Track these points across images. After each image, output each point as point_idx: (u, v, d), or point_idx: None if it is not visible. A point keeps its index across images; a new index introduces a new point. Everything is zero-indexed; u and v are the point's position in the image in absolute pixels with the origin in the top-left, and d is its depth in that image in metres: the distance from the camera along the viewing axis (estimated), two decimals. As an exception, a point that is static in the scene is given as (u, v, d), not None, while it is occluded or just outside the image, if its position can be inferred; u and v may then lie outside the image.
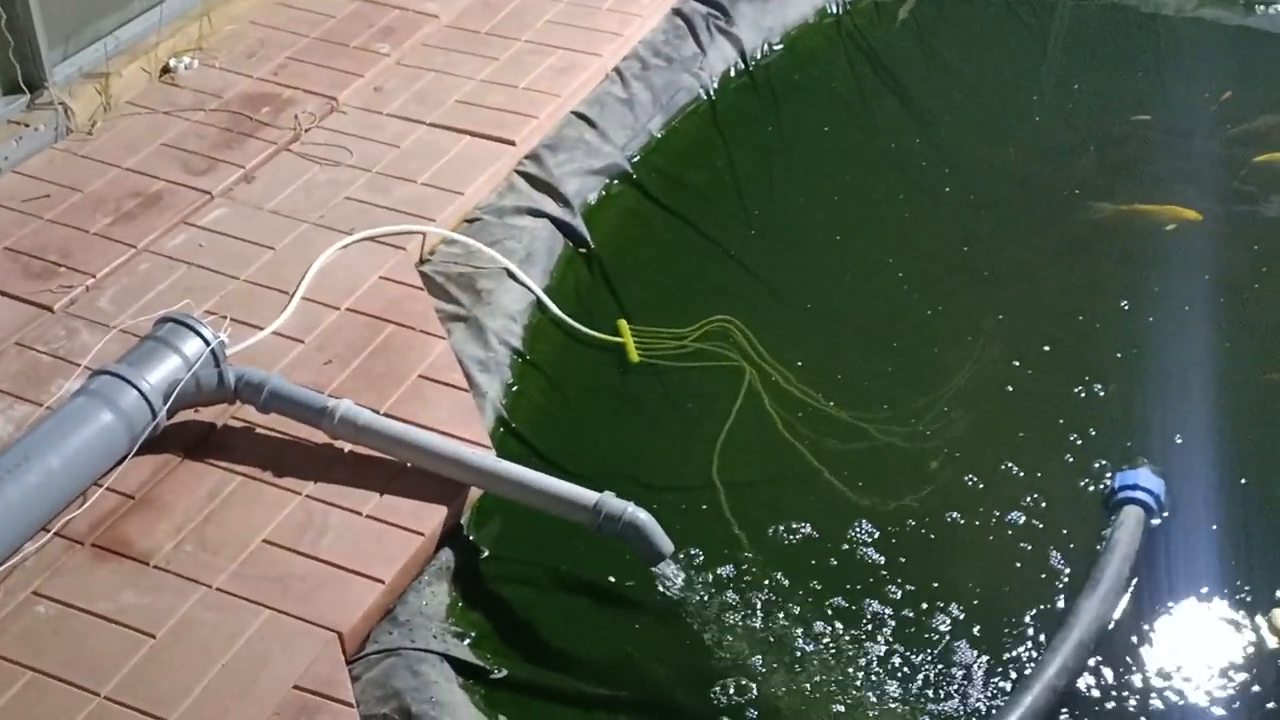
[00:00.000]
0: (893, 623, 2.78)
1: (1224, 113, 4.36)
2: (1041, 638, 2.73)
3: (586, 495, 2.79)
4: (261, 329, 3.18)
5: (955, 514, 3.03)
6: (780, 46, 4.68)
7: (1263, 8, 4.83)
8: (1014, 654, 2.72)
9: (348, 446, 2.91)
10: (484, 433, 3.02)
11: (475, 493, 2.93)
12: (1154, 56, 4.71)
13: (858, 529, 2.99)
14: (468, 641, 2.67)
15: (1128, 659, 2.72)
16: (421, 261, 3.53)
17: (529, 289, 3.50)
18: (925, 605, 2.82)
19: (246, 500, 2.80)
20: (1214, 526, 2.99)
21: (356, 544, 2.71)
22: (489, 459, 2.87)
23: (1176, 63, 4.65)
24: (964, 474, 3.12)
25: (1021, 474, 3.12)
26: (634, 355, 3.45)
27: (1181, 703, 2.65)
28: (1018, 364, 3.44)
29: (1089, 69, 4.69)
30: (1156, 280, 3.69)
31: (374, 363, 3.15)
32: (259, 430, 2.95)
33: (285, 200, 3.64)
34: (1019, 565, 2.92)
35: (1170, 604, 2.84)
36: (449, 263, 3.51)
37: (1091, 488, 3.07)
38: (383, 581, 2.64)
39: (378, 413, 2.94)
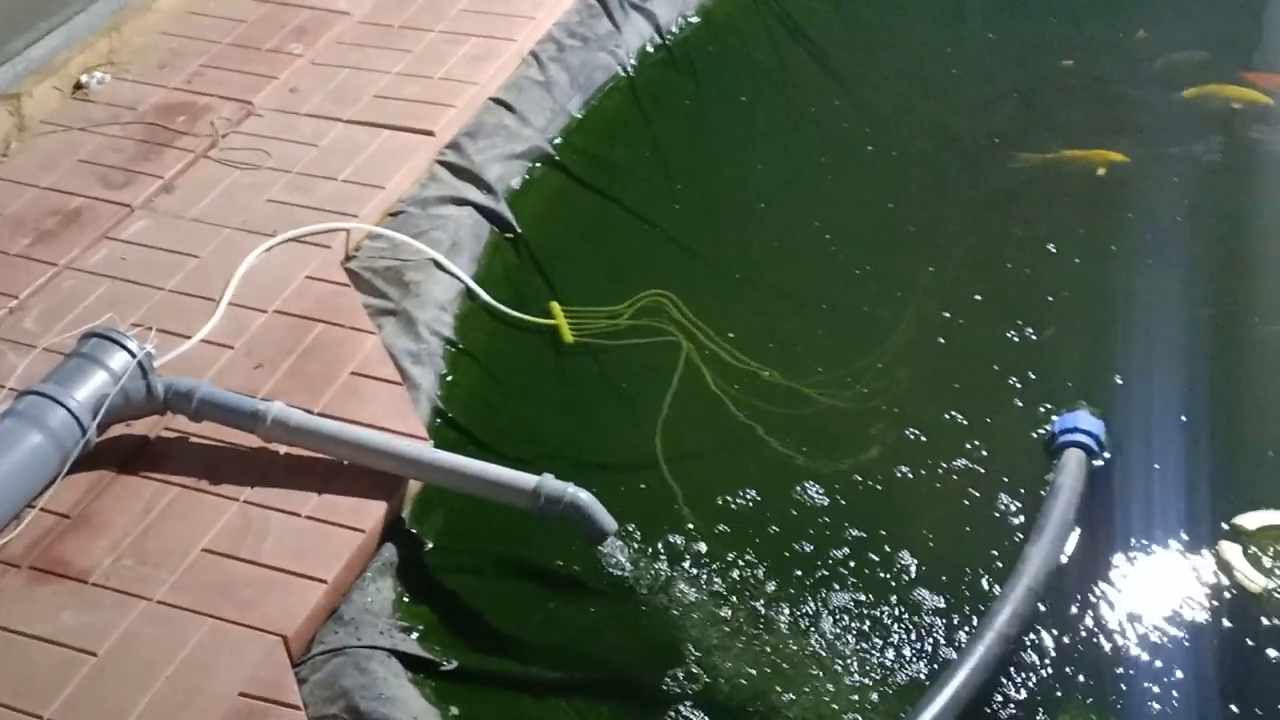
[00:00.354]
0: (847, 580, 2.77)
1: (1140, 52, 4.35)
2: (997, 584, 2.71)
3: (526, 479, 2.75)
4: (189, 338, 3.12)
5: (903, 468, 3.01)
6: (696, 19, 4.64)
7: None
8: (971, 601, 2.71)
9: (283, 449, 2.85)
10: (420, 424, 2.97)
11: (416, 485, 2.89)
12: (1067, 2, 4.70)
13: (805, 492, 2.97)
14: (415, 635, 2.63)
15: (1078, 600, 2.72)
16: (347, 258, 3.47)
17: (457, 278, 3.44)
18: (878, 559, 2.81)
19: (184, 510, 2.74)
20: (1156, 465, 2.98)
21: (297, 546, 2.66)
22: (425, 450, 2.82)
23: (1090, 6, 4.64)
24: (908, 428, 3.11)
25: (965, 422, 3.11)
26: (568, 336, 3.41)
27: (1133, 640, 2.65)
28: (950, 315, 3.43)
29: (1004, 20, 4.68)
30: (1084, 224, 3.69)
31: (305, 363, 3.09)
32: (193, 439, 2.89)
33: (207, 207, 3.56)
34: (969, 512, 2.91)
35: (1117, 543, 2.83)
36: (375, 257, 3.45)
37: (1034, 431, 3.07)
38: (326, 581, 2.59)
39: (311, 412, 2.89)
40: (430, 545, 2.84)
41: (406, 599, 2.70)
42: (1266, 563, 2.74)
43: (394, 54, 4.15)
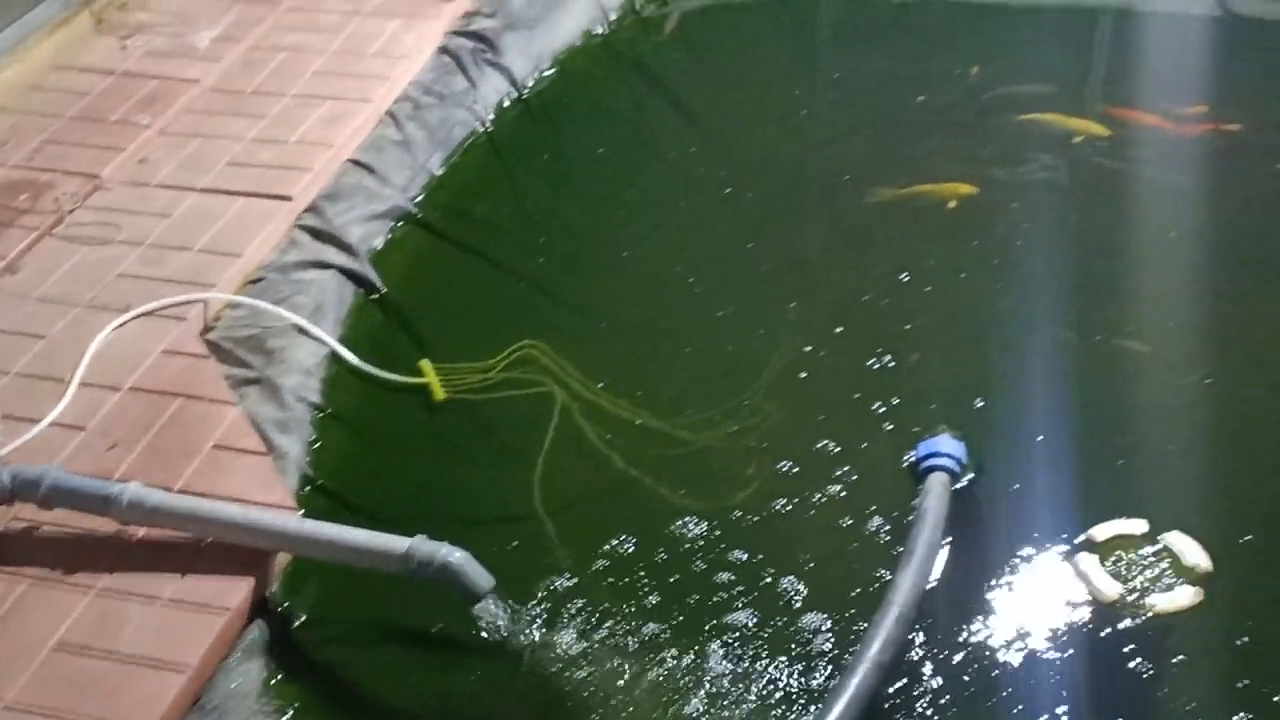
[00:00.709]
0: (733, 614, 2.74)
1: (980, 86, 4.45)
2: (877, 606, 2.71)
3: (397, 543, 2.66)
4: (37, 422, 2.97)
5: (780, 501, 3.01)
6: (551, 71, 4.63)
7: (1002, -16, 4.99)
8: (857, 619, 2.70)
9: (141, 531, 2.73)
10: (287, 494, 2.87)
11: (286, 558, 2.78)
12: (909, 41, 4.81)
13: (686, 531, 2.94)
14: (288, 716, 2.51)
15: (949, 621, 2.72)
16: (206, 330, 3.36)
17: (322, 341, 3.35)
18: (759, 594, 2.79)
19: (36, 605, 2.59)
20: (1016, 485, 3.02)
21: (158, 633, 2.53)
22: (292, 521, 2.73)
23: (929, 44, 4.76)
24: (781, 461, 3.11)
25: (837, 449, 3.13)
26: (439, 393, 3.34)
27: (1001, 656, 2.67)
28: (815, 349, 3.44)
29: (851, 60, 4.76)
30: (937, 254, 3.73)
31: (163, 439, 2.97)
32: (44, 529, 2.75)
33: (54, 286, 3.42)
34: (846, 538, 2.92)
35: (983, 562, 2.86)
36: (235, 327, 3.34)
37: (903, 454, 3.09)
38: (187, 669, 2.47)
39: (171, 491, 2.76)
40: (302, 619, 2.73)
41: (277, 678, 2.59)
42: (1118, 570, 2.79)
43: (247, 120, 4.05)
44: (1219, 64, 4.51)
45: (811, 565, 2.85)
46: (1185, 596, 2.72)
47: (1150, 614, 2.70)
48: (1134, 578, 2.77)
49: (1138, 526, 2.86)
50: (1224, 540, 2.83)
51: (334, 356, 3.35)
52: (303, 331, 3.34)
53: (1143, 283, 3.62)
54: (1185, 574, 2.77)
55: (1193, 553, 2.79)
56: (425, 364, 3.41)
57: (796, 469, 3.09)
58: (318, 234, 3.67)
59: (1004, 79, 4.45)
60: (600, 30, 4.87)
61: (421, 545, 2.64)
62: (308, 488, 2.99)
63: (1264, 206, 3.85)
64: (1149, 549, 2.82)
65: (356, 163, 3.95)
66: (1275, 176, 3.96)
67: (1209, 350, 3.37)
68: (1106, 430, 3.14)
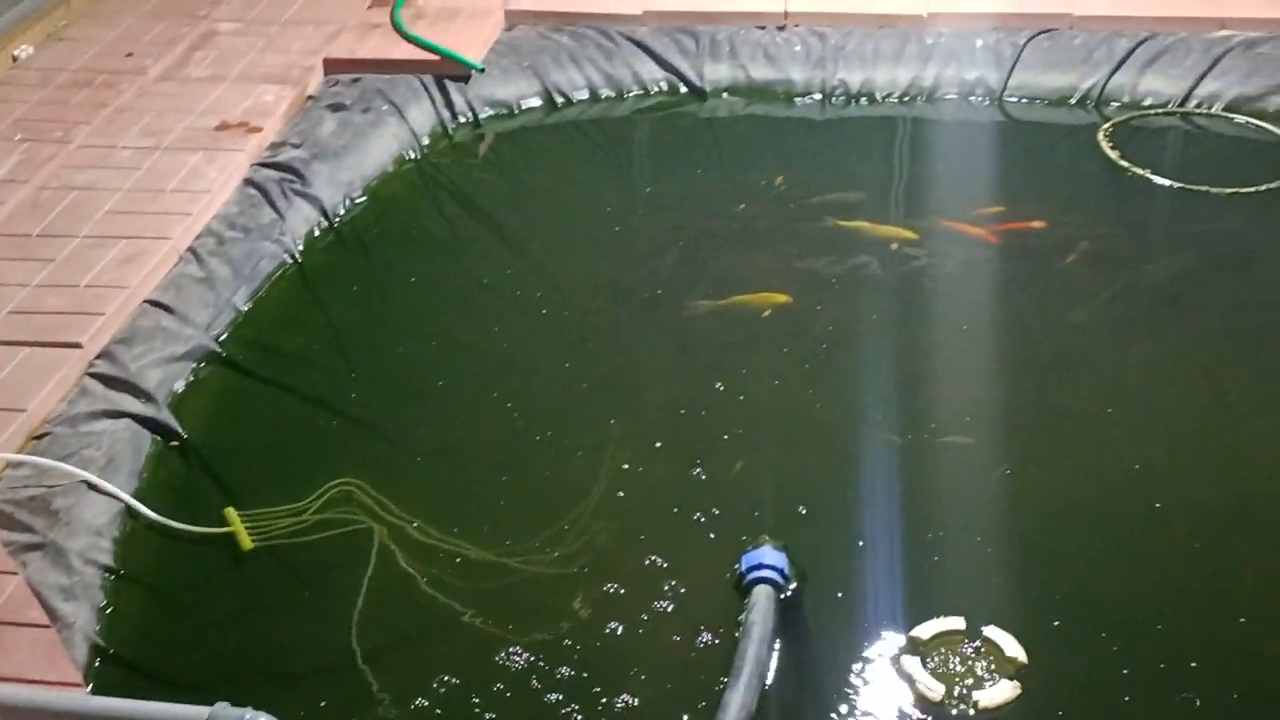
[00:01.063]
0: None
1: (788, 196, 4.53)
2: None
3: (196, 713, 2.46)
4: None
5: (612, 623, 2.93)
6: (363, 199, 4.56)
7: (801, 99, 5.12)
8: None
9: (-94, 723, 2.47)
10: (73, 669, 2.66)
11: (73, 738, 2.55)
12: (718, 154, 4.89)
13: (514, 664, 2.84)
14: None
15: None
16: (-15, 493, 3.13)
17: (114, 497, 3.16)
18: (592, 716, 2.71)
19: None
20: (839, 593, 3.01)
21: (-79, 837, 2.28)
22: (77, 700, 2.51)
23: (738, 157, 4.84)
24: (608, 582, 3.05)
25: (664, 565, 3.08)
26: (246, 542, 3.18)
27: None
28: (636, 465, 3.40)
29: (663, 174, 4.83)
30: (752, 363, 3.75)
31: (-66, 618, 2.73)
32: None
33: None
34: (676, 655, 2.86)
35: (813, 672, 2.83)
36: (17, 488, 3.13)
37: (727, 564, 3.05)
38: None
39: (-61, 675, 2.53)
40: (92, 805, 2.50)
41: None
42: (943, 669, 2.78)
43: (33, 265, 3.86)
44: (1009, 165, 4.72)
45: (644, 682, 2.78)
46: (1004, 692, 2.73)
47: (975, 711, 2.70)
48: (957, 676, 2.77)
49: (957, 623, 2.86)
50: (1036, 630, 2.86)
51: (129, 512, 3.17)
52: (93, 488, 3.14)
53: (953, 380, 3.69)
54: (1005, 667, 2.78)
55: (1010, 646, 2.81)
56: (231, 512, 3.25)
57: (624, 589, 3.03)
58: (110, 381, 3.48)
59: (813, 188, 4.55)
60: (412, 155, 4.83)
61: (222, 713, 2.45)
62: (97, 660, 2.78)
63: (1062, 299, 3.97)
64: (970, 645, 2.83)
65: (154, 303, 3.79)
66: (1069, 269, 4.11)
67: (1015, 442, 3.44)
68: (924, 528, 3.16)
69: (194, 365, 3.72)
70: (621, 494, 3.31)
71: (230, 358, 3.80)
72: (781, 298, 3.97)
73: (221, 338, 3.85)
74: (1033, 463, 3.37)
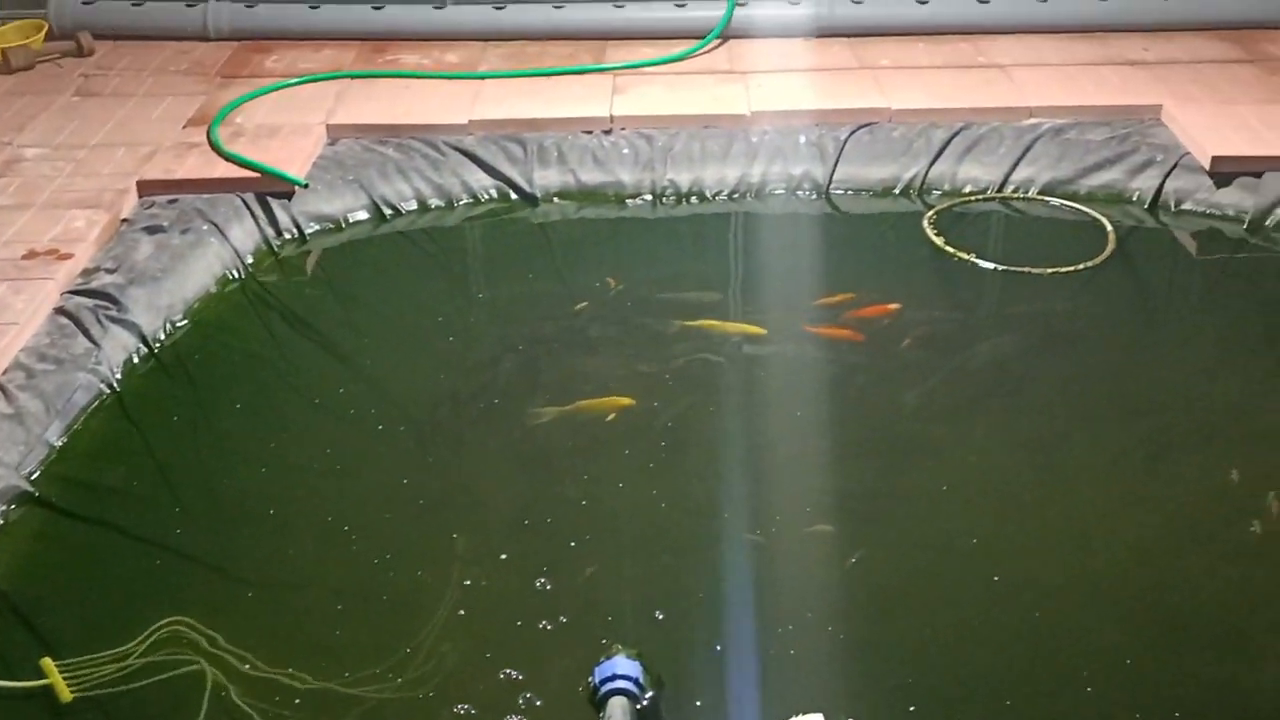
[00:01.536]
0: None
1: (628, 295, 4.56)
2: None
3: None
4: None
5: (466, 745, 2.83)
6: (185, 322, 4.42)
7: (632, 201, 5.19)
8: None
9: None
10: None
11: None
12: (552, 258, 4.91)
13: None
14: None
15: None
16: None
17: (-88, 658, 2.94)
18: None
19: None
20: (697, 701, 2.98)
21: None
22: None
23: (573, 261, 4.88)
24: (462, 703, 2.96)
25: (518, 680, 3.01)
26: (65, 694, 3.00)
27: None
28: (481, 579, 3.33)
29: (497, 281, 4.82)
30: (596, 468, 3.73)
31: None
32: None
33: None
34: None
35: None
36: None
37: (581, 675, 2.99)
38: None
39: None
40: None
41: None
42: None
43: None
44: (840, 256, 4.89)
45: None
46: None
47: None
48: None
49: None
50: (893, 718, 2.88)
51: (-72, 673, 2.94)
52: (-112, 648, 2.91)
53: (797, 471, 3.73)
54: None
55: (870, 738, 2.81)
56: (47, 662, 3.05)
57: (475, 710, 2.95)
58: (-92, 531, 3.26)
59: (650, 288, 4.60)
60: (236, 275, 4.73)
61: None
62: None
63: (899, 383, 4.07)
64: (829, 743, 2.82)
65: (-43, 445, 3.58)
66: (904, 353, 4.21)
67: (860, 529, 3.49)
68: (778, 622, 3.16)
69: (3, 509, 3.52)
70: (465, 612, 3.23)
71: (44, 497, 3.61)
72: (625, 400, 3.97)
73: (34, 476, 3.66)
74: (878, 548, 3.41)
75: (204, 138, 5.17)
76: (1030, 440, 3.83)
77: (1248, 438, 3.80)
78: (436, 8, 6.16)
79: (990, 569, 3.31)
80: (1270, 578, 3.30)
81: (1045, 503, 3.57)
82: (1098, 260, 4.68)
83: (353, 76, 5.75)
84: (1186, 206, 5.02)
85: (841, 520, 3.50)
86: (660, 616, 3.20)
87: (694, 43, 5.94)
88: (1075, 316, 4.45)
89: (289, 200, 4.97)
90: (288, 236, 4.94)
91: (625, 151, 5.25)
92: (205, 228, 4.72)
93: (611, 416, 3.93)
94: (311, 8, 6.15)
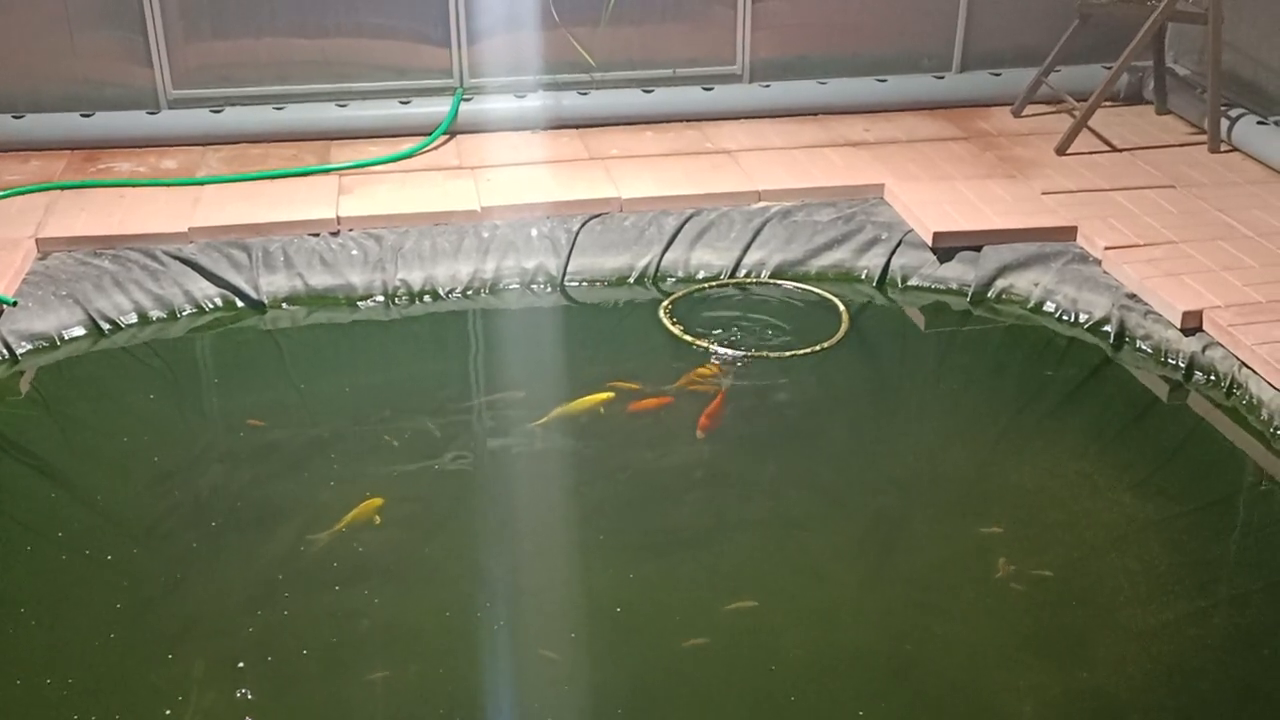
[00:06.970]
0: None
1: (356, 402, 4.66)
2: None
3: None
4: None
5: None
6: None
7: (364, 303, 5.34)
8: None
9: None
10: None
11: None
12: (284, 367, 5.01)
13: None
14: None
15: None
16: None
17: None
18: None
19: None
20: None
21: None
22: None
23: (306, 367, 5.05)
24: None
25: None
26: None
27: None
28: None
29: (230, 393, 4.98)
30: (371, 583, 3.81)
31: None
32: None
33: None
34: None
35: None
36: None
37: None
38: None
39: None
40: None
41: None
42: None
43: None
44: (579, 347, 5.21)
45: None
46: None
47: None
48: None
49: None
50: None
51: None
52: None
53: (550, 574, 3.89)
54: None
55: None
56: None
57: None
58: None
59: (386, 393, 4.80)
60: (-65, 401, 4.61)
61: None
62: None
63: (645, 474, 4.31)
64: None
65: None
66: (646, 443, 4.47)
67: (608, 630, 3.69)
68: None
69: None
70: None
71: None
72: (376, 501, 4.06)
73: None
74: (624, 648, 3.60)
75: (-106, 259, 5.03)
76: (780, 524, 4.14)
77: (979, 503, 4.20)
78: (150, 113, 6.17)
79: (760, 655, 3.54)
80: (1006, 639, 3.62)
81: (794, 586, 3.82)
82: (833, 340, 5.08)
83: (63, 188, 5.74)
84: (913, 282, 5.53)
85: (591, 622, 3.68)
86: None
87: (420, 139, 6.17)
88: (815, 398, 4.84)
89: (-4, 320, 4.88)
90: (-2, 358, 4.86)
91: (354, 252, 5.42)
92: (-97, 355, 4.60)
93: (378, 520, 3.99)
94: (15, 118, 6.11)
